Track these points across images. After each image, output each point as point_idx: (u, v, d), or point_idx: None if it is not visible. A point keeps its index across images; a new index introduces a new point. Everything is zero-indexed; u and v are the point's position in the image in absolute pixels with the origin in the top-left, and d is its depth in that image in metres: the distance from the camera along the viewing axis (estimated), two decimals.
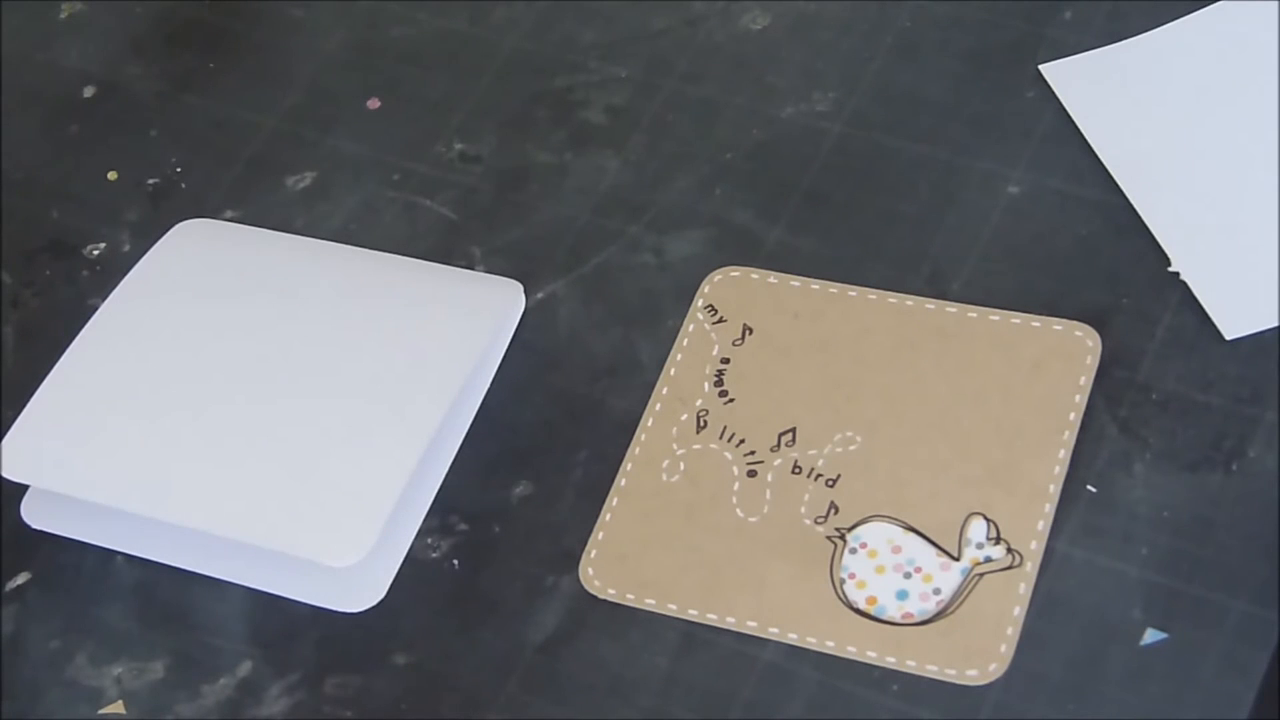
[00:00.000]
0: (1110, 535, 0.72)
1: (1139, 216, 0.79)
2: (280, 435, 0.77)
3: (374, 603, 0.75)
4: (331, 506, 0.75)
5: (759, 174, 0.84)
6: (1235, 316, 0.75)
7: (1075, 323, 0.76)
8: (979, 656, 0.70)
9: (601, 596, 0.74)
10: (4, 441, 0.78)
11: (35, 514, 0.80)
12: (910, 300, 0.78)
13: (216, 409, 0.78)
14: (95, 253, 0.87)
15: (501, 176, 0.86)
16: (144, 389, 0.79)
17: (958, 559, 0.72)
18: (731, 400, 0.77)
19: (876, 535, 0.73)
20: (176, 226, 0.85)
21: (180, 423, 0.77)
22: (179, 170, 0.89)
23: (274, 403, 0.77)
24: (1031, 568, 0.71)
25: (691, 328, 0.80)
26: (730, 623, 0.72)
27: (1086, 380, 0.75)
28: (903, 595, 0.72)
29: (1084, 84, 0.83)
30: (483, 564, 0.76)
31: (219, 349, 0.79)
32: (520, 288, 0.81)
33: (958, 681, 0.69)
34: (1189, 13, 0.84)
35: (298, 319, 0.80)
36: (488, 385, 0.80)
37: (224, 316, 0.81)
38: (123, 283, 0.83)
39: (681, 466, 0.76)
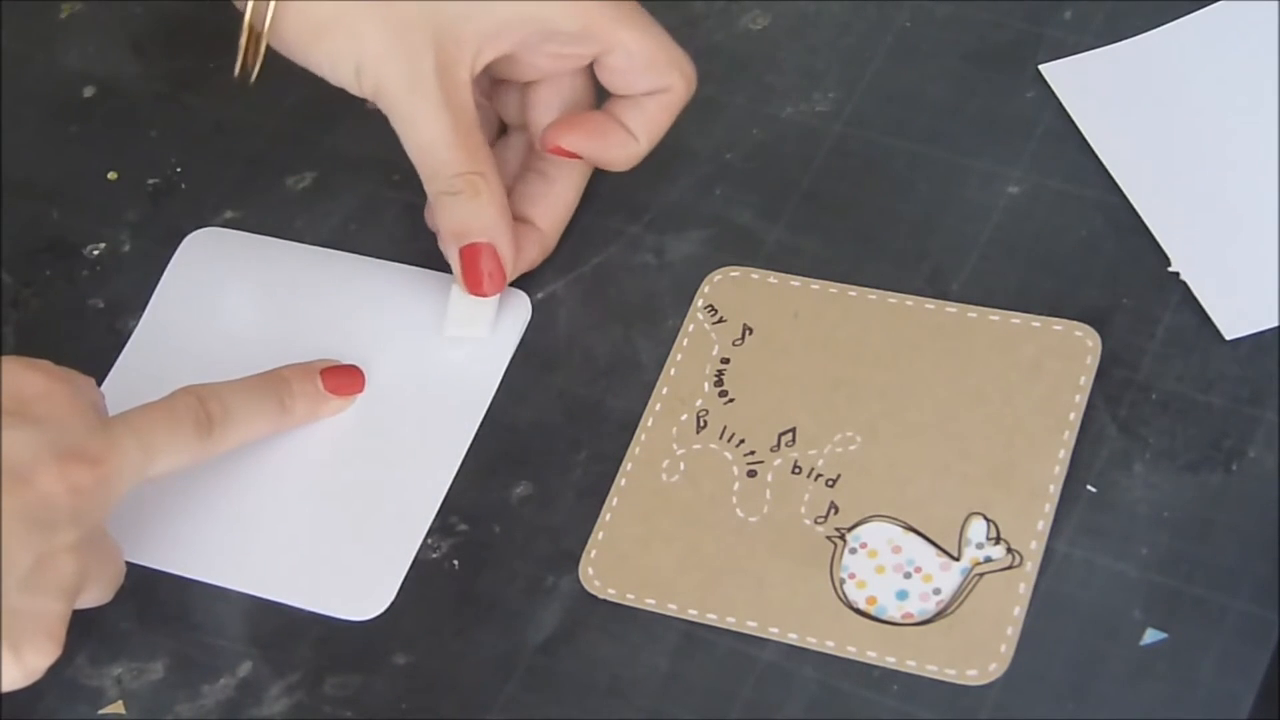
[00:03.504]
0: (1110, 535, 0.72)
1: (1139, 216, 0.79)
2: (304, 491, 0.78)
3: (379, 612, 0.75)
4: (353, 566, 0.76)
5: (759, 174, 0.84)
6: (1235, 316, 0.75)
7: (1075, 323, 0.76)
8: (979, 656, 0.70)
9: (601, 596, 0.74)
10: None
11: None
12: (910, 300, 0.78)
13: (246, 461, 0.78)
14: (95, 253, 0.87)
15: None
16: None
17: (958, 559, 0.72)
18: (731, 400, 0.77)
19: (876, 535, 0.73)
20: (188, 238, 0.85)
21: (206, 477, 0.78)
22: (179, 170, 0.89)
23: (301, 456, 0.78)
24: (1031, 568, 0.71)
25: (691, 328, 0.80)
26: (730, 622, 0.72)
27: (1086, 380, 0.75)
28: (903, 595, 0.71)
29: (1084, 84, 0.83)
30: (483, 564, 0.76)
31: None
32: (526, 299, 0.81)
33: (958, 681, 0.69)
34: (1189, 13, 0.84)
35: (317, 350, 0.80)
36: (492, 394, 0.79)
37: (247, 345, 0.81)
38: (150, 306, 0.83)
39: (681, 466, 0.76)
